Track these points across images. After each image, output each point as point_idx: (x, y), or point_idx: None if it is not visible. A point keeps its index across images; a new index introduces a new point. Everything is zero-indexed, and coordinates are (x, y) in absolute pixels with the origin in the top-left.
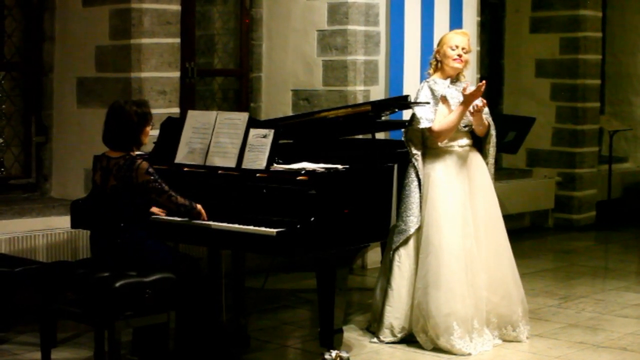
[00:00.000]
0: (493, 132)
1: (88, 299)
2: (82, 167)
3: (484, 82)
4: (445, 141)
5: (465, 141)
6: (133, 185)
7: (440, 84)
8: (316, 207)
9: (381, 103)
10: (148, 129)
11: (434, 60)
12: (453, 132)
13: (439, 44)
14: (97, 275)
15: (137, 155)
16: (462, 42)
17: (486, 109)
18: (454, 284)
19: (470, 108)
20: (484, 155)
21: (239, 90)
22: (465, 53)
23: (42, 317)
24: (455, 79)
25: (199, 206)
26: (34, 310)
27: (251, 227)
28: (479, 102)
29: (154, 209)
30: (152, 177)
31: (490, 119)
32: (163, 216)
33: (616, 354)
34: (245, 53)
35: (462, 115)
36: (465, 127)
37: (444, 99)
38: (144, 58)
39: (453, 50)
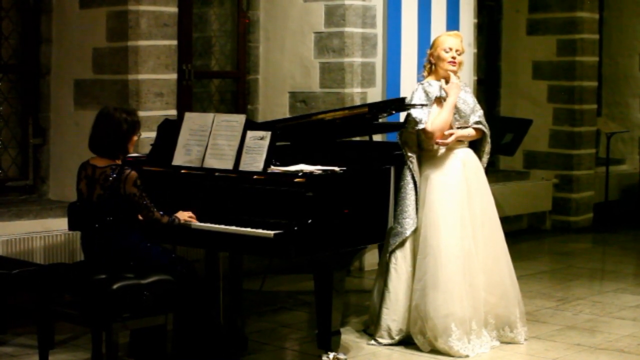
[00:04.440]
0: (489, 139)
1: (85, 300)
2: None
3: (456, 64)
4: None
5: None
6: (120, 195)
7: (435, 86)
8: (313, 209)
9: (378, 105)
10: (135, 137)
11: (427, 63)
12: (447, 129)
13: (432, 47)
14: (94, 277)
15: (129, 157)
16: (456, 44)
17: (480, 112)
18: (453, 285)
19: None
20: (479, 158)
21: (236, 92)
22: (459, 55)
23: (40, 319)
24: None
25: (183, 217)
26: (32, 312)
27: (248, 229)
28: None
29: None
30: (137, 191)
31: (485, 128)
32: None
33: (613, 356)
34: (242, 55)
35: (452, 109)
36: (458, 128)
37: (438, 101)
38: (141, 60)
39: (447, 52)
